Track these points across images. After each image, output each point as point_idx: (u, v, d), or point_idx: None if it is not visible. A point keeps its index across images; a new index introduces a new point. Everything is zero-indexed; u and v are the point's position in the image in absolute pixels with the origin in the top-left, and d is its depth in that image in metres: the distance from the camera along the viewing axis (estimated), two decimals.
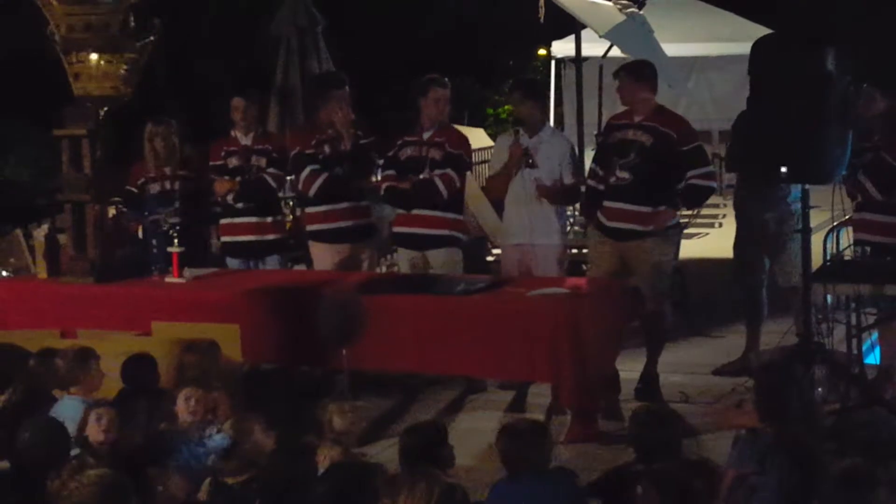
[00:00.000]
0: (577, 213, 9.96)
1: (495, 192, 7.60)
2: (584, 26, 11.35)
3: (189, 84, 17.16)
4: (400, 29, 19.69)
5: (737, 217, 7.71)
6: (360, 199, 7.56)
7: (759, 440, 4.51)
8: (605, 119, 8.58)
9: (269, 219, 7.72)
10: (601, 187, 7.02)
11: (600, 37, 11.07)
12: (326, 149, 7.42)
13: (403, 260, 7.43)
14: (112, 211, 7.34)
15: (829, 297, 6.58)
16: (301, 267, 8.42)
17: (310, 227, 7.63)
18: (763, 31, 9.79)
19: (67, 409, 5.21)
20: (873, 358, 6.94)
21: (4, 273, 7.51)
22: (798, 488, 4.12)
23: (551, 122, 13.57)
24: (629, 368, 6.87)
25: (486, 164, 10.35)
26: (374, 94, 15.64)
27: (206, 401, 5.26)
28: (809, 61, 6.13)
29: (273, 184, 7.70)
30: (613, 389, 6.50)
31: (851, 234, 7.20)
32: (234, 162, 7.69)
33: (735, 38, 13.60)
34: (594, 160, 7.27)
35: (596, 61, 12.13)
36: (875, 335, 7.00)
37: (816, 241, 6.76)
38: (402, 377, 7.01)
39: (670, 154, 6.80)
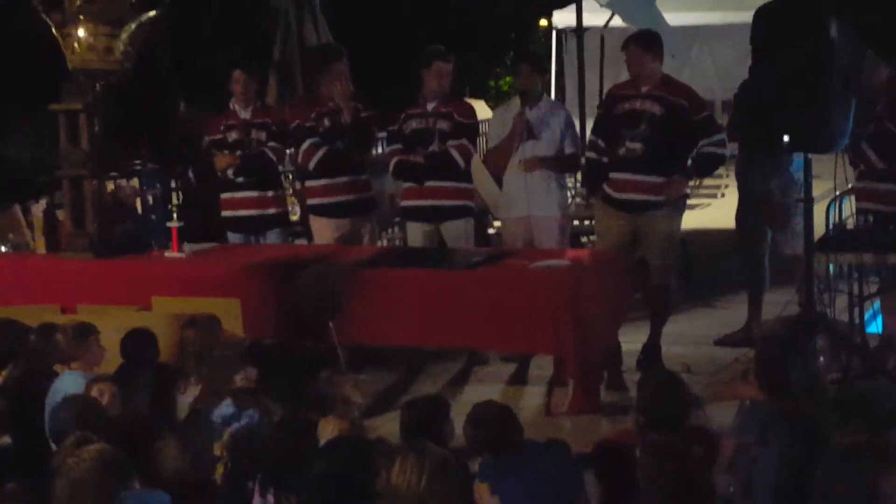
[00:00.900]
0: (577, 184, 9.92)
1: (495, 165, 7.55)
2: None
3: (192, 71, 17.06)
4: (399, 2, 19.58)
5: (739, 187, 7.68)
6: (360, 172, 7.51)
7: (761, 410, 4.50)
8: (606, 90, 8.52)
9: (270, 193, 7.68)
10: (604, 159, 6.97)
11: (601, 6, 11.01)
12: (326, 122, 7.37)
13: (416, 233, 7.35)
14: (110, 186, 7.30)
15: (831, 267, 6.56)
16: (302, 241, 8.39)
17: (310, 202, 7.59)
18: None
19: (68, 384, 5.19)
20: (875, 327, 6.91)
21: (3, 248, 7.46)
22: (800, 458, 4.11)
23: (552, 94, 13.56)
24: (631, 340, 6.86)
25: (485, 136, 10.31)
26: (372, 66, 15.52)
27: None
28: (813, 30, 6.08)
29: (273, 157, 7.66)
30: (616, 361, 6.49)
31: (854, 204, 7.17)
32: (233, 136, 7.63)
33: (739, 7, 13.41)
34: (593, 131, 7.22)
35: (597, 31, 12.06)
36: (877, 304, 6.97)
37: (819, 210, 6.73)
38: (405, 351, 7.00)
39: (682, 123, 6.75)
